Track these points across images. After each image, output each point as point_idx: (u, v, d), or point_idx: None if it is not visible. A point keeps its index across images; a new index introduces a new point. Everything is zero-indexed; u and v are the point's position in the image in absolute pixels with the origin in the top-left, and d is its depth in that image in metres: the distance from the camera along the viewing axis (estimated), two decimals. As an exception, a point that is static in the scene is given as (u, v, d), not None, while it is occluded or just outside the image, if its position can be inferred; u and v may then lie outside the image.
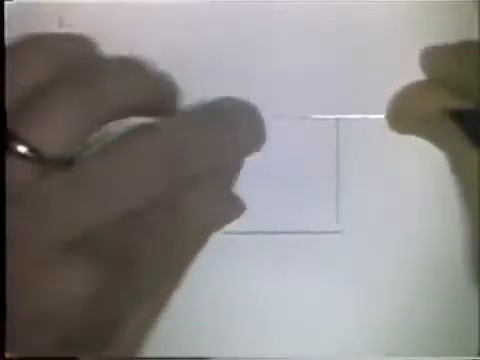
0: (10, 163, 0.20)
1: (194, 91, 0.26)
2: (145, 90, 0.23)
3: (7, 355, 0.19)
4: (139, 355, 0.25)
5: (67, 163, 0.21)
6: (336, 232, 0.28)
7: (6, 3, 0.26)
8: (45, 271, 0.19)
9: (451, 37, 0.27)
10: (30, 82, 0.21)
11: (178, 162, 0.22)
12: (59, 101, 0.21)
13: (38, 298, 0.19)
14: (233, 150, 0.25)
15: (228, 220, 0.27)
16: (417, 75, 0.28)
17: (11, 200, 0.19)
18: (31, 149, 0.20)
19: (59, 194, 0.20)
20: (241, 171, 0.26)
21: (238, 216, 0.27)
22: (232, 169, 0.25)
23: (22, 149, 0.20)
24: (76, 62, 0.22)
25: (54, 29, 0.25)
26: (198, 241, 0.26)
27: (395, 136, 0.27)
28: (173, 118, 0.24)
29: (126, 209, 0.20)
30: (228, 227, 0.27)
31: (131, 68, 0.23)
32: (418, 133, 0.24)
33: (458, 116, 0.24)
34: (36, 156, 0.20)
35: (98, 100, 0.21)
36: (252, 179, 0.27)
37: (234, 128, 0.24)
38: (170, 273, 0.24)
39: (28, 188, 0.20)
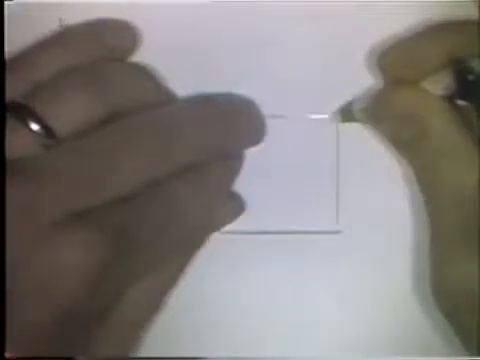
0: (19, 138, 0.21)
1: (193, 91, 0.26)
2: (149, 94, 0.24)
3: (7, 355, 0.19)
4: (137, 354, 0.25)
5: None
6: (336, 232, 0.28)
7: (6, 3, 0.26)
8: (47, 240, 0.20)
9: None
10: (56, 66, 0.23)
11: (176, 145, 0.22)
12: (75, 86, 0.22)
13: (41, 266, 0.20)
14: (231, 141, 0.25)
15: (228, 220, 0.27)
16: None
17: (14, 171, 0.20)
18: (44, 126, 0.21)
19: (61, 166, 0.21)
20: (241, 171, 0.26)
21: (238, 216, 0.27)
22: (232, 165, 0.26)
23: (35, 127, 0.21)
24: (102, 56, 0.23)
25: (54, 29, 0.26)
26: (197, 240, 0.26)
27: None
28: (172, 104, 0.24)
29: (124, 187, 0.21)
30: (228, 227, 0.27)
31: (142, 72, 0.24)
32: (405, 77, 0.25)
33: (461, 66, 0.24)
34: (47, 134, 0.21)
35: (108, 91, 0.22)
36: (252, 179, 0.27)
37: (232, 119, 0.25)
38: (167, 259, 0.24)
39: (34, 160, 0.21)
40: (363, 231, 0.28)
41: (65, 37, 0.24)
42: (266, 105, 0.27)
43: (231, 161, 0.26)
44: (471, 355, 0.24)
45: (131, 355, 0.25)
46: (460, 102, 0.25)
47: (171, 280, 0.25)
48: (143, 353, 0.25)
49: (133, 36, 0.25)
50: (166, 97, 0.25)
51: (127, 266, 0.21)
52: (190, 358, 0.28)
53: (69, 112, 0.22)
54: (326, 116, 0.28)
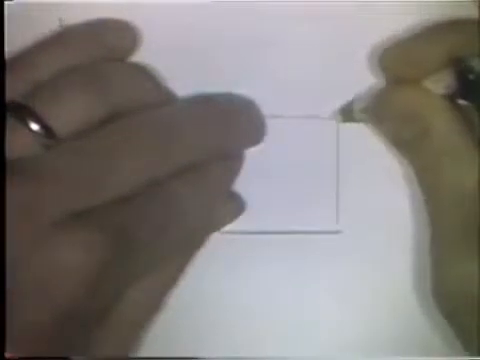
0: (19, 138, 0.21)
1: (193, 91, 0.26)
2: (149, 94, 0.24)
3: (7, 355, 0.19)
4: (137, 354, 0.25)
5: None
6: (336, 232, 0.28)
7: (6, 3, 0.26)
8: (47, 240, 0.20)
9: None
10: (56, 66, 0.23)
11: (176, 145, 0.22)
12: (75, 86, 0.22)
13: (41, 266, 0.20)
14: (231, 141, 0.25)
15: (228, 220, 0.27)
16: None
17: (14, 171, 0.20)
18: (44, 126, 0.21)
19: (61, 166, 0.21)
20: (241, 171, 0.27)
21: (238, 216, 0.27)
22: (232, 165, 0.26)
23: (35, 127, 0.21)
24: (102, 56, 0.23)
25: (54, 29, 0.26)
26: (197, 240, 0.26)
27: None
28: (172, 104, 0.24)
29: (124, 187, 0.21)
30: (228, 227, 0.27)
31: (142, 72, 0.24)
32: (406, 75, 0.25)
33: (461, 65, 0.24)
34: (47, 134, 0.21)
35: (108, 91, 0.22)
36: (252, 179, 0.27)
37: (232, 119, 0.25)
38: (167, 259, 0.24)
39: (34, 160, 0.21)
40: (363, 231, 0.28)
41: (65, 37, 0.24)
42: (266, 105, 0.27)
43: (231, 161, 0.26)
44: (471, 355, 0.24)
45: (131, 355, 0.25)
46: (461, 101, 0.25)
47: (171, 280, 0.25)
48: (143, 353, 0.25)
49: (133, 36, 0.25)
50: (166, 97, 0.25)
51: (127, 266, 0.21)
52: (190, 358, 0.28)
53: (69, 112, 0.22)
54: (326, 116, 0.28)
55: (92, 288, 0.20)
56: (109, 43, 0.25)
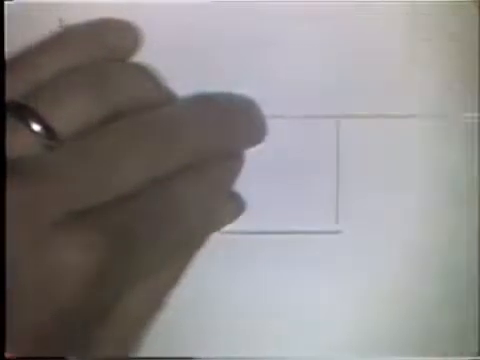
0: (20, 138, 0.21)
1: (193, 91, 0.26)
2: (150, 94, 0.24)
3: (7, 355, 0.19)
4: (137, 354, 0.25)
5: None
6: (335, 232, 0.28)
7: (6, 3, 0.26)
8: (47, 240, 0.20)
9: (451, 38, 0.27)
10: (57, 66, 0.23)
11: (177, 145, 0.22)
12: (76, 86, 0.22)
13: (41, 266, 0.19)
14: (231, 141, 0.25)
15: (228, 220, 0.27)
16: (417, 75, 0.28)
17: (15, 171, 0.20)
18: (45, 127, 0.21)
19: (62, 166, 0.21)
20: (241, 171, 0.27)
21: (238, 216, 0.27)
22: (232, 165, 0.26)
23: (36, 127, 0.21)
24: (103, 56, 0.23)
25: (54, 29, 0.26)
26: (197, 240, 0.26)
27: (395, 136, 0.28)
28: (172, 104, 0.24)
29: (124, 187, 0.21)
30: (227, 227, 0.27)
31: (143, 72, 0.24)
32: None
33: None
34: (48, 134, 0.21)
35: (109, 92, 0.23)
36: (252, 179, 0.27)
37: (232, 119, 0.25)
38: (168, 260, 0.24)
39: (34, 159, 0.20)
40: (363, 231, 0.28)
41: (65, 37, 0.24)
42: (266, 105, 0.27)
43: (231, 161, 0.26)
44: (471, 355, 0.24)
45: (131, 355, 0.25)
46: None
47: (171, 280, 0.25)
48: (143, 353, 0.25)
49: (134, 36, 0.25)
50: (166, 97, 0.25)
51: (127, 266, 0.21)
52: (190, 358, 0.28)
53: (70, 113, 0.22)
54: (327, 116, 0.28)
55: (92, 288, 0.20)
56: (110, 43, 0.25)
